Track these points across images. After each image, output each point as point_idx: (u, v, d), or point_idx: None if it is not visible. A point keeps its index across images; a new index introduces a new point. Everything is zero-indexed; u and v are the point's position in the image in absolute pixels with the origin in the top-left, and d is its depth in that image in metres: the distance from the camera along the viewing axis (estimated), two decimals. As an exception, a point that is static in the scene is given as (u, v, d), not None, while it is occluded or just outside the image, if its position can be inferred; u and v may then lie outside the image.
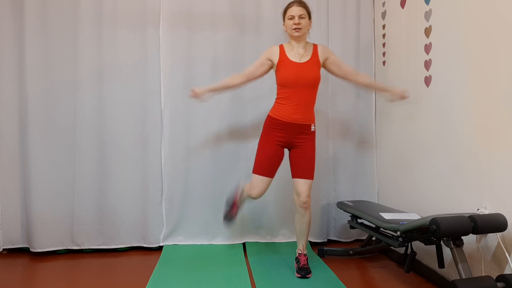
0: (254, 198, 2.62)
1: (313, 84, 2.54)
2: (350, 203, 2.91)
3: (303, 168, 2.55)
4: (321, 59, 2.57)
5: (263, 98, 3.12)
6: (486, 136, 2.05)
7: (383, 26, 3.16)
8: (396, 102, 2.84)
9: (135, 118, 3.08)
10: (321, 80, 3.18)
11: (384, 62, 3.16)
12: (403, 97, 2.67)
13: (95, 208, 3.04)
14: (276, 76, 2.59)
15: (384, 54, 3.15)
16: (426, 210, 2.55)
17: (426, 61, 2.56)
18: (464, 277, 1.88)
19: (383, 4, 3.15)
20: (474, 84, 2.14)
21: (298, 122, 2.52)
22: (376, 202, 3.26)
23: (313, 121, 2.59)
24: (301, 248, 2.66)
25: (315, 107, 3.17)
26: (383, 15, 3.16)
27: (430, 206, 2.52)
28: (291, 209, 3.23)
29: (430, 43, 2.51)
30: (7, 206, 3.02)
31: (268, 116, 2.60)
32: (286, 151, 2.65)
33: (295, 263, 2.69)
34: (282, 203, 3.21)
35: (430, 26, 2.52)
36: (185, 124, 3.14)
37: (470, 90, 2.17)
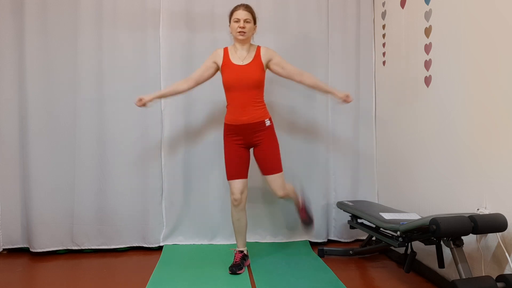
0: (236, 204, 2.64)
1: (256, 85, 2.58)
2: (350, 203, 2.91)
3: (268, 163, 2.62)
4: (264, 60, 2.62)
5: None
6: (486, 136, 2.05)
7: (383, 26, 3.16)
8: (395, 103, 2.86)
9: (135, 118, 3.08)
10: (322, 81, 3.20)
11: (384, 62, 3.16)
12: (345, 101, 2.68)
13: (95, 208, 3.04)
14: (222, 80, 2.63)
15: (384, 54, 3.15)
16: (426, 210, 2.55)
17: (426, 61, 2.56)
18: (464, 277, 1.88)
19: (383, 4, 3.15)
20: (474, 84, 2.14)
21: (249, 122, 2.57)
22: (376, 202, 3.26)
23: (266, 116, 2.63)
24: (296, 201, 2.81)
25: (314, 107, 3.18)
26: (383, 15, 3.16)
27: (430, 206, 2.52)
28: (291, 209, 3.23)
29: (430, 43, 2.51)
30: (7, 206, 3.02)
31: (224, 123, 2.67)
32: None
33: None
34: (282, 204, 3.21)
35: (430, 26, 2.52)
36: (185, 124, 3.15)
37: (470, 90, 2.17)
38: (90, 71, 3.02)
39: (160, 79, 3.11)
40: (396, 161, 2.97)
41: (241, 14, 2.55)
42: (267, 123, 2.62)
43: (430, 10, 2.51)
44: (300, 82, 2.71)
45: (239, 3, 2.62)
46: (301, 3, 3.22)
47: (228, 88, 2.60)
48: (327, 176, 3.27)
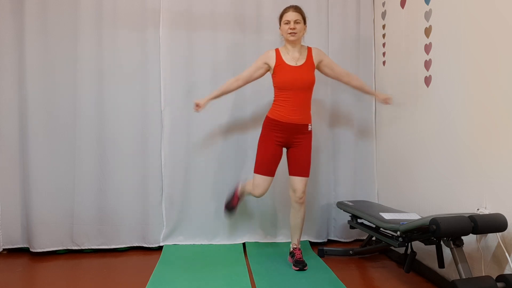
0: (257, 197, 2.71)
1: (309, 86, 2.65)
2: (350, 203, 2.91)
3: (300, 166, 2.66)
4: (315, 61, 2.67)
5: (263, 98, 3.12)
6: (486, 136, 2.05)
7: (383, 26, 3.16)
8: (395, 103, 2.87)
9: (135, 118, 3.08)
10: (322, 82, 3.20)
11: (384, 62, 3.16)
12: (386, 102, 2.86)
13: (95, 208, 3.04)
14: (273, 80, 2.68)
15: (384, 54, 3.15)
16: (426, 210, 2.55)
17: (426, 61, 2.56)
18: (464, 277, 1.88)
19: (383, 4, 3.15)
20: (474, 84, 2.14)
21: (295, 122, 2.61)
22: (376, 202, 3.26)
23: (309, 121, 2.69)
24: (296, 242, 2.77)
25: (314, 108, 3.19)
26: (383, 15, 3.16)
27: (430, 206, 2.52)
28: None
29: (430, 43, 2.51)
30: (7, 206, 3.02)
31: (267, 117, 2.69)
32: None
33: (289, 257, 2.78)
34: (282, 203, 3.21)
35: (430, 26, 2.52)
36: (185, 124, 3.14)
37: (470, 90, 2.17)
38: (90, 71, 3.02)
39: (160, 79, 3.11)
40: (396, 161, 2.97)
41: (291, 15, 2.58)
42: (309, 127, 2.68)
43: (430, 10, 2.51)
44: (347, 83, 2.83)
45: (288, 5, 2.64)
46: (301, 3, 3.21)
47: (282, 88, 2.63)
48: (327, 176, 3.27)
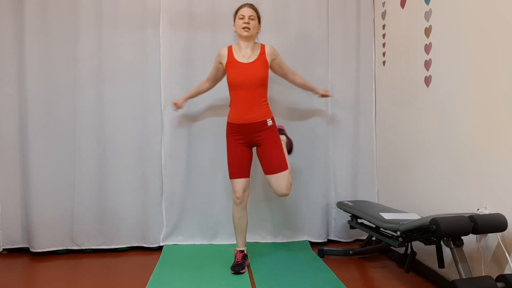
0: (240, 201, 2.65)
1: (261, 83, 2.61)
2: (350, 203, 2.91)
3: (274, 162, 2.60)
4: (268, 59, 2.66)
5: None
6: (486, 136, 2.05)
7: (383, 26, 3.16)
8: (395, 103, 2.87)
9: (135, 118, 3.08)
10: (322, 82, 3.20)
11: (384, 62, 3.16)
12: (324, 95, 3.00)
13: (95, 208, 3.04)
14: (226, 78, 2.67)
15: (384, 54, 3.15)
16: (426, 210, 2.55)
17: (426, 61, 2.56)
18: (464, 277, 1.88)
19: (383, 4, 3.15)
20: (474, 84, 2.14)
21: (251, 121, 2.59)
22: (376, 202, 3.26)
23: (268, 116, 2.64)
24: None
25: (314, 108, 3.19)
26: (383, 15, 3.16)
27: (430, 206, 2.52)
28: (291, 209, 3.23)
29: (430, 43, 2.51)
30: (7, 206, 3.02)
31: (227, 122, 2.69)
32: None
33: None
34: (282, 203, 3.21)
35: (430, 26, 2.52)
36: (185, 124, 3.15)
37: (470, 90, 2.17)
38: (90, 71, 3.02)
39: (160, 79, 3.11)
40: (396, 161, 2.97)
41: (246, 11, 2.60)
42: (269, 122, 2.63)
43: (430, 10, 2.51)
44: (292, 81, 2.90)
45: (243, 3, 2.66)
46: (301, 3, 3.22)
47: (232, 86, 2.62)
48: (327, 176, 3.27)
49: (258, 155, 2.68)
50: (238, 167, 2.63)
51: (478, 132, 2.11)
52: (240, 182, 2.63)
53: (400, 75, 2.89)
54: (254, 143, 2.66)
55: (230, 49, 2.67)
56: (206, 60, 3.14)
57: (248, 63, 2.59)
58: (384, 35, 3.15)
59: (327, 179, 3.28)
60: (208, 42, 3.14)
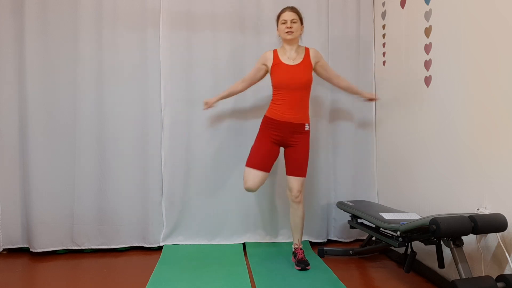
0: (249, 191, 2.68)
1: (306, 85, 2.67)
2: (350, 203, 2.91)
3: (296, 166, 2.68)
4: (313, 62, 2.71)
5: (263, 100, 3.12)
6: (486, 136, 2.05)
7: (383, 26, 3.16)
8: (395, 102, 2.87)
9: (135, 118, 3.08)
10: (321, 82, 3.20)
11: (384, 62, 3.16)
12: (371, 99, 3.11)
13: (95, 208, 3.04)
14: (271, 79, 2.71)
15: (384, 54, 3.15)
16: (426, 210, 2.55)
17: (426, 61, 2.56)
18: (464, 277, 1.88)
19: (383, 4, 3.15)
20: (474, 84, 2.14)
21: (292, 121, 2.63)
22: (376, 202, 3.26)
23: (307, 120, 2.70)
24: (297, 242, 2.78)
25: (315, 107, 3.19)
26: (383, 15, 3.16)
27: (430, 206, 2.52)
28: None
29: (430, 43, 2.51)
30: (7, 206, 3.02)
31: (265, 116, 2.72)
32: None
33: (292, 257, 2.78)
34: (282, 204, 3.21)
35: (430, 26, 2.52)
36: (185, 124, 3.15)
37: (470, 90, 2.17)
38: (90, 71, 3.02)
39: (160, 79, 3.11)
40: (396, 161, 2.97)
41: (288, 15, 2.63)
42: (306, 127, 2.70)
43: (430, 10, 2.51)
44: (336, 84, 2.93)
45: (285, 6, 2.70)
46: (301, 3, 3.21)
47: (278, 87, 2.66)
48: (327, 176, 3.27)
49: (286, 155, 2.73)
50: (261, 159, 2.64)
51: (478, 132, 2.11)
52: (254, 174, 2.62)
53: (400, 75, 2.89)
54: (287, 143, 2.69)
55: (275, 52, 2.71)
56: (206, 60, 3.14)
57: (294, 65, 2.64)
58: (384, 35, 3.15)
59: (327, 179, 3.27)
60: (208, 42, 3.14)
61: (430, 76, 2.52)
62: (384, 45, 3.15)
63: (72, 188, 3.02)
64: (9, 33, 2.98)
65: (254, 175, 2.63)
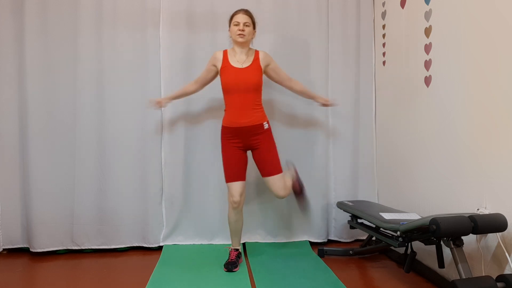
0: (235, 207, 2.66)
1: (255, 88, 2.63)
2: (350, 203, 2.91)
3: (268, 165, 2.65)
4: (262, 65, 2.67)
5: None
6: (486, 136, 2.05)
7: (383, 26, 3.16)
8: (394, 102, 2.86)
9: (135, 118, 3.08)
10: (322, 82, 3.20)
11: (384, 62, 3.16)
12: (325, 104, 2.99)
13: (95, 208, 3.04)
14: (221, 82, 2.68)
15: (384, 54, 3.15)
16: (426, 210, 2.55)
17: (426, 61, 2.56)
18: (464, 277, 1.88)
19: (383, 4, 3.15)
20: (474, 84, 2.14)
21: (248, 125, 2.61)
22: (376, 202, 3.26)
23: (263, 119, 2.67)
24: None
25: (314, 107, 3.19)
26: (383, 15, 3.16)
27: (430, 206, 2.52)
28: (291, 209, 3.23)
29: (430, 43, 2.51)
30: (7, 206, 3.02)
31: (222, 126, 2.70)
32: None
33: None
34: (282, 204, 3.21)
35: (430, 26, 2.52)
36: (185, 124, 3.14)
37: (470, 90, 2.17)
38: (90, 71, 3.02)
39: (160, 79, 3.11)
40: (396, 161, 2.97)
41: (241, 17, 2.60)
42: (265, 126, 2.67)
43: (430, 10, 2.51)
44: (289, 87, 2.86)
45: (239, 8, 2.66)
46: (301, 3, 3.22)
47: (227, 90, 2.63)
48: (327, 176, 3.27)
49: (254, 158, 2.70)
50: (234, 171, 2.64)
51: (478, 132, 2.11)
52: (236, 186, 2.63)
53: (400, 75, 2.89)
54: (250, 146, 2.67)
55: (225, 53, 2.68)
56: (205, 60, 3.12)
57: (242, 68, 2.61)
58: (384, 35, 3.15)
59: (327, 179, 3.27)
60: (208, 42, 3.14)
61: (430, 76, 2.52)
62: (384, 45, 3.15)
63: (72, 188, 3.02)
64: (9, 33, 2.98)
65: (237, 187, 2.63)
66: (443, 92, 2.39)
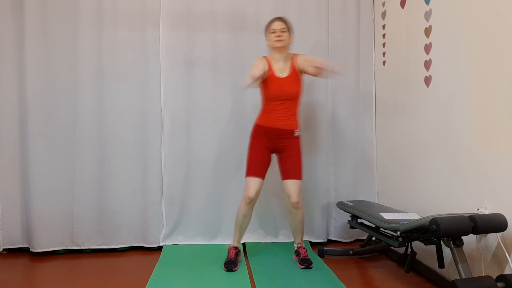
0: (249, 201, 2.67)
1: (294, 97, 2.69)
2: (350, 203, 2.91)
3: (291, 169, 2.70)
4: (298, 70, 2.68)
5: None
6: (486, 136, 2.05)
7: (383, 26, 3.16)
8: (394, 102, 2.86)
9: (135, 118, 3.08)
10: (322, 82, 3.20)
11: (384, 62, 3.16)
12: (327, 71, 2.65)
13: (95, 208, 3.04)
14: (262, 89, 2.70)
15: (384, 54, 3.15)
16: (426, 210, 2.55)
17: (426, 61, 2.56)
18: (464, 277, 1.88)
19: (383, 4, 3.15)
20: (474, 84, 2.14)
21: (281, 127, 2.66)
22: (376, 202, 3.26)
23: (296, 127, 2.73)
24: (299, 241, 2.80)
25: (314, 107, 3.19)
26: (383, 15, 3.16)
27: (430, 206, 2.52)
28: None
29: (430, 43, 2.51)
30: (7, 206, 3.02)
31: (255, 124, 2.74)
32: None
33: (294, 256, 2.81)
34: (282, 204, 3.21)
35: (430, 26, 2.52)
36: (185, 124, 3.15)
37: (470, 90, 2.17)
38: (90, 71, 3.02)
39: (160, 79, 3.11)
40: (396, 161, 2.97)
41: (277, 24, 2.63)
42: (296, 133, 2.72)
43: (430, 10, 2.51)
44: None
45: (274, 17, 2.69)
46: (301, 3, 3.22)
47: (268, 98, 2.68)
48: (327, 176, 3.27)
49: (278, 161, 2.76)
50: (257, 166, 2.68)
51: (478, 132, 2.11)
52: (255, 182, 2.65)
53: (400, 75, 2.89)
54: (277, 149, 2.72)
55: (268, 60, 2.67)
56: (206, 60, 3.14)
57: (283, 78, 2.64)
58: (384, 35, 3.15)
59: (327, 179, 3.27)
60: (208, 42, 3.14)
61: (430, 76, 2.52)
62: (384, 45, 3.15)
63: (72, 188, 3.01)
64: (9, 33, 2.97)
65: (255, 183, 2.65)
66: (443, 92, 2.39)
